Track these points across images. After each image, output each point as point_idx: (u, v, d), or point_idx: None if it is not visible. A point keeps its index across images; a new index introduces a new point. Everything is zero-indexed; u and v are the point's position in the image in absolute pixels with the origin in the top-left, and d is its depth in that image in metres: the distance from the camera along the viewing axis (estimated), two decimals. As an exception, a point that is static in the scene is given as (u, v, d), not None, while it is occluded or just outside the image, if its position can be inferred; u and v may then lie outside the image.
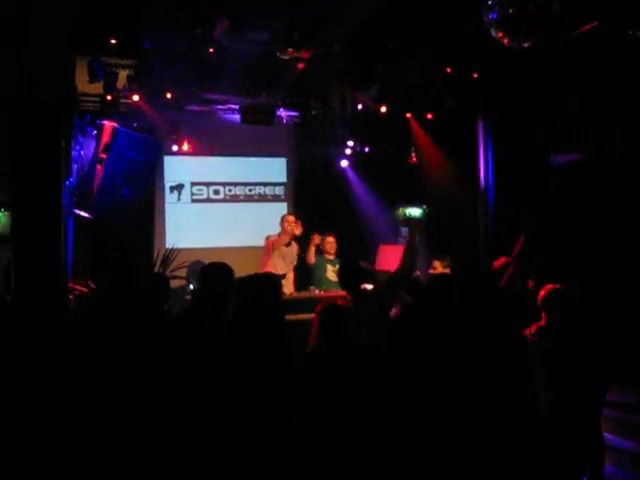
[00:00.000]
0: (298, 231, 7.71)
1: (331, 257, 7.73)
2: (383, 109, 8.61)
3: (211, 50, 6.72)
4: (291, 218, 7.86)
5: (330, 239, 7.78)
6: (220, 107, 8.95)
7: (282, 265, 7.65)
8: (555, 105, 7.16)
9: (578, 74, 6.63)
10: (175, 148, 8.80)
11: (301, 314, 5.42)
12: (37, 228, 4.66)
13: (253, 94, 8.35)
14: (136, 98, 7.63)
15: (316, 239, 7.75)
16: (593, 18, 5.71)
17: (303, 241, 7.97)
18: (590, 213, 6.88)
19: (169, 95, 7.84)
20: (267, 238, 7.82)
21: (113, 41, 6.65)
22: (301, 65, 7.38)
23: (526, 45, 4.42)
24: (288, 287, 7.62)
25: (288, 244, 7.75)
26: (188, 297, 7.92)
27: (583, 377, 4.24)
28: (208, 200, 9.85)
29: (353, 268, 4.76)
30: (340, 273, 4.77)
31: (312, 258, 7.73)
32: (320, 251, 7.81)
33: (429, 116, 9.06)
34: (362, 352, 2.91)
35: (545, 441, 3.17)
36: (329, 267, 7.69)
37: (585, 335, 4.35)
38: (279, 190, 10.23)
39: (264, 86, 8.18)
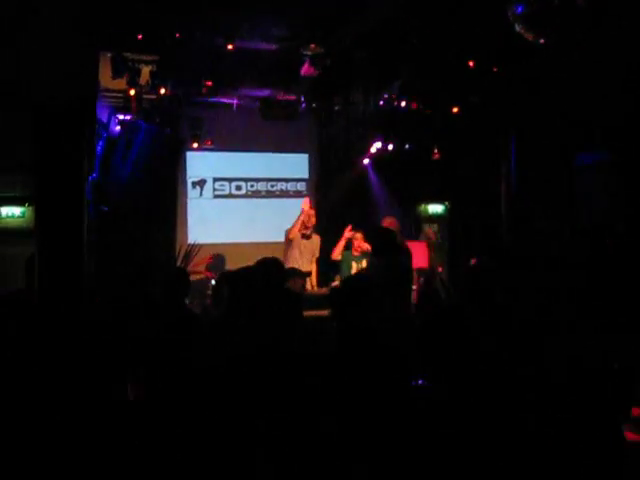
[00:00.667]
0: (310, 223, 7.65)
1: (357, 253, 7.49)
2: (404, 104, 8.55)
3: (230, 47, 6.70)
4: (311, 211, 7.77)
5: (359, 235, 7.47)
6: (242, 103, 8.96)
7: (303, 260, 7.54)
8: (580, 102, 7.07)
9: (603, 70, 6.53)
10: (197, 144, 8.82)
11: (321, 310, 5.32)
12: (60, 223, 4.71)
13: (275, 89, 8.34)
14: (163, 91, 7.62)
15: (347, 233, 7.50)
16: (617, 13, 5.61)
17: (330, 238, 7.91)
18: (617, 212, 6.78)
19: (191, 91, 7.84)
20: (286, 231, 7.74)
21: (138, 37, 6.67)
22: (310, 70, 7.31)
23: (550, 41, 4.36)
24: (310, 282, 7.49)
25: (308, 237, 7.70)
26: (209, 292, 7.95)
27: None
28: (230, 196, 9.89)
29: (385, 234, 4.68)
30: (369, 236, 4.69)
31: (338, 254, 7.46)
32: (348, 246, 7.54)
33: (452, 112, 8.98)
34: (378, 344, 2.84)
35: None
36: (354, 264, 7.55)
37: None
38: (301, 186, 10.24)
39: (286, 81, 8.15)
